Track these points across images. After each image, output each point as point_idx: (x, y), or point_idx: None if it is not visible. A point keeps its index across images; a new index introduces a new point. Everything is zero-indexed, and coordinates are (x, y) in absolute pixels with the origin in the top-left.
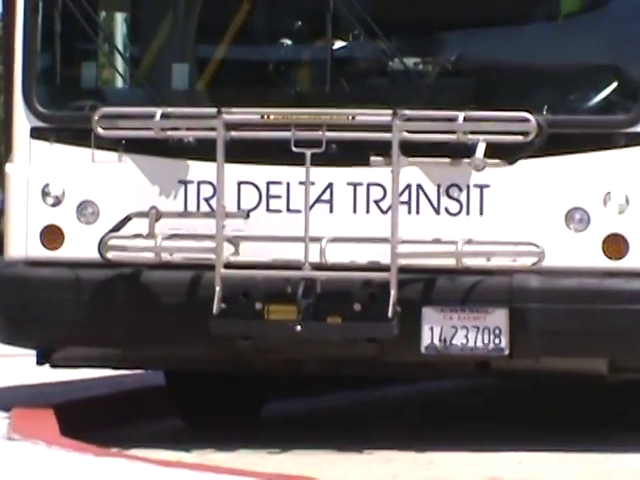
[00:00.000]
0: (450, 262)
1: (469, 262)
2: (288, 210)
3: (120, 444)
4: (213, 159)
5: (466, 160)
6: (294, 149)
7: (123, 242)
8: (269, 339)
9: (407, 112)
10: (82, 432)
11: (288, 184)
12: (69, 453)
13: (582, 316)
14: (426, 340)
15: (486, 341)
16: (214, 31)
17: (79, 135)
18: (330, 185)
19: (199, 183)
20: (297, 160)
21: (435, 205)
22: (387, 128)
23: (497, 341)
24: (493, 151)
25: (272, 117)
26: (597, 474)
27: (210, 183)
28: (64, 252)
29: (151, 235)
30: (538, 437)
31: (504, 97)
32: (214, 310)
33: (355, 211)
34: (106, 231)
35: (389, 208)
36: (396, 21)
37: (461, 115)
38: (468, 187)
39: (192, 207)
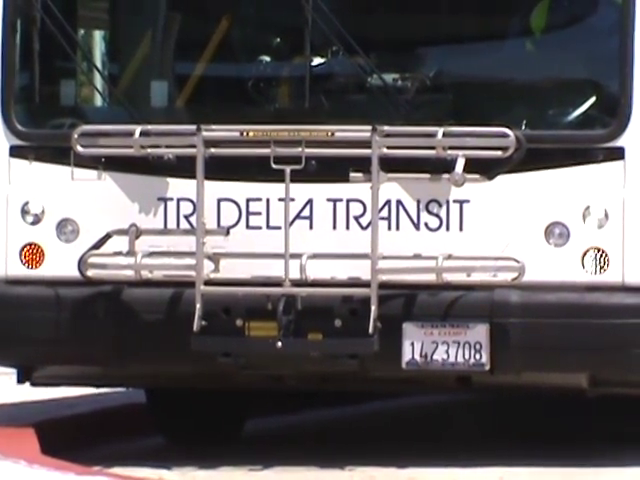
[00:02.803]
0: (430, 277)
1: (449, 277)
2: (268, 227)
3: (101, 462)
4: (193, 176)
5: (445, 175)
6: (273, 166)
7: (103, 260)
8: (250, 356)
9: (386, 128)
10: (63, 450)
11: (268, 201)
12: (50, 472)
13: (563, 331)
14: (407, 355)
15: (467, 356)
16: (193, 48)
17: (58, 153)
18: (310, 201)
19: (179, 200)
20: (276, 177)
21: (415, 221)
22: (366, 144)
23: (478, 356)
24: (472, 166)
25: (251, 134)
26: None
27: (190, 200)
28: (44, 270)
29: (131, 253)
30: (519, 452)
31: (483, 112)
32: (195, 327)
33: (335, 227)
34: (86, 249)
35: (369, 224)
36: (374, 37)
37: (440, 131)
38: (448, 202)
39: (172, 224)
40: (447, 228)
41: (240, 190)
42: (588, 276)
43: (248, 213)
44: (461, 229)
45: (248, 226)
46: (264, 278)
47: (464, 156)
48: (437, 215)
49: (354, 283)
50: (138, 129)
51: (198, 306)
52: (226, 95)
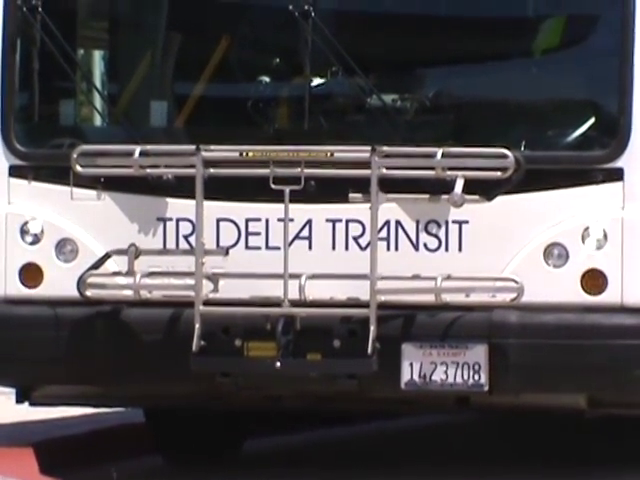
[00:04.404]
0: (429, 298)
1: (448, 298)
2: (267, 247)
3: None
4: (192, 196)
5: (445, 196)
6: (273, 186)
7: (102, 280)
8: (249, 376)
9: (385, 148)
10: (62, 470)
11: (267, 221)
12: None
13: (561, 351)
14: (406, 376)
15: (465, 377)
16: (192, 68)
17: (58, 173)
18: (309, 222)
19: (178, 220)
20: (276, 197)
21: (414, 241)
22: (366, 165)
23: (476, 377)
24: (471, 187)
25: (251, 154)
26: None
27: (189, 220)
28: (43, 290)
29: (130, 273)
30: (519, 472)
31: (482, 133)
32: (194, 347)
33: (334, 248)
34: (85, 269)
35: (368, 244)
36: (374, 58)
37: (439, 151)
38: (447, 223)
39: (171, 244)
40: (446, 249)
41: (239, 210)
42: (587, 297)
43: (247, 233)
44: (460, 250)
45: (247, 246)
46: (263, 298)
47: (463, 177)
48: (436, 236)
49: (353, 303)
50: (137, 149)
51: (197, 326)
52: (225, 115)
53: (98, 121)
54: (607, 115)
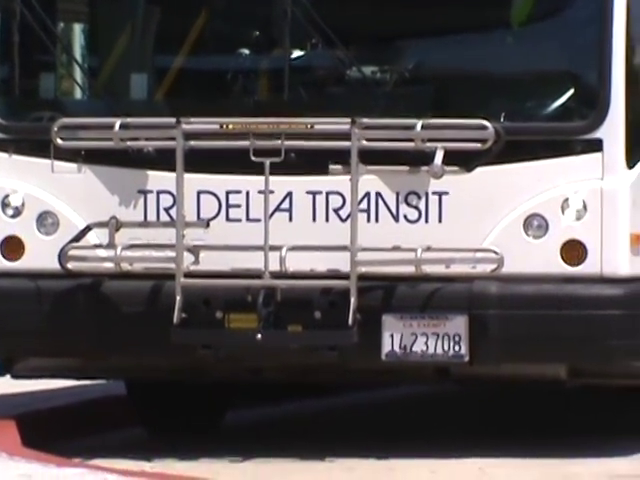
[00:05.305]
0: (409, 269)
1: (428, 269)
2: (248, 219)
3: (82, 454)
4: (172, 169)
5: (424, 168)
6: (253, 158)
7: (83, 252)
8: (230, 348)
9: (365, 120)
10: (44, 442)
11: (247, 193)
12: (31, 464)
13: (541, 322)
14: (386, 347)
15: (446, 348)
16: (172, 41)
17: (38, 146)
18: (289, 194)
19: (159, 193)
20: (256, 169)
21: (394, 213)
22: (346, 136)
23: (457, 348)
24: (451, 158)
25: (231, 126)
26: (556, 479)
27: (170, 193)
28: (24, 263)
29: (111, 245)
30: (499, 443)
31: (462, 105)
32: (175, 319)
33: (314, 219)
34: (66, 241)
35: (348, 216)
36: (353, 30)
37: (419, 123)
38: (427, 194)
39: (152, 217)
40: (426, 220)
41: (220, 183)
42: (566, 268)
43: (228, 205)
44: (440, 221)
45: (228, 218)
46: (244, 270)
47: (443, 148)
48: (416, 207)
49: (333, 275)
50: (118, 122)
51: (178, 298)
52: (205, 88)
53: (78, 94)
54: (586, 86)
